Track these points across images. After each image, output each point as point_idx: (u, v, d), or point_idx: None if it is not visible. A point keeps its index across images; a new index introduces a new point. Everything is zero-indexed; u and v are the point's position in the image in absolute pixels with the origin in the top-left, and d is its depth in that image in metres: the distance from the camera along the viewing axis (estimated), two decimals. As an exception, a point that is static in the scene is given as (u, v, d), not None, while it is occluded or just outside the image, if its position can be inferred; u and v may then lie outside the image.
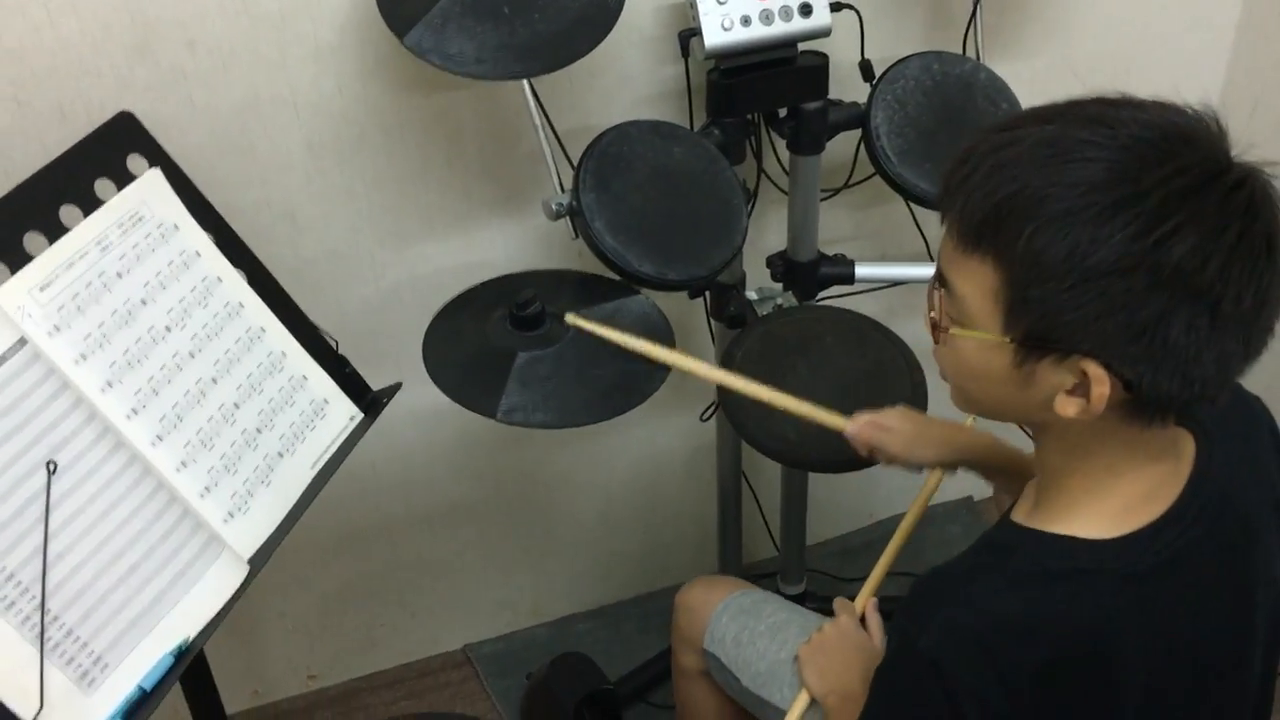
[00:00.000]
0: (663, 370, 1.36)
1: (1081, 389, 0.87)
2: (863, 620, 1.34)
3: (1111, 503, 0.94)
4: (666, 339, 1.40)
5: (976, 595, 0.94)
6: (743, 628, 1.43)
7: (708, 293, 1.73)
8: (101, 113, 1.44)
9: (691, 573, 2.23)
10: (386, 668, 2.14)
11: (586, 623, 2.20)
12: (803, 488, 1.95)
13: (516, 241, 1.76)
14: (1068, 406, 0.88)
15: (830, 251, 1.74)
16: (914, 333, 1.57)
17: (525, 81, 1.45)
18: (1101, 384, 0.85)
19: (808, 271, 1.72)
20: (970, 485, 2.39)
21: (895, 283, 1.78)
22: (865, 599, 1.35)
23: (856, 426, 1.31)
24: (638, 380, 1.34)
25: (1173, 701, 0.99)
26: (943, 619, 0.93)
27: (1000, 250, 0.86)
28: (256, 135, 1.56)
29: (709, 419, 1.88)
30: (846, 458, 1.43)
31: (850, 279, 1.72)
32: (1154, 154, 0.83)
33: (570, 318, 1.37)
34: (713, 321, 1.77)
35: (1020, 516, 1.00)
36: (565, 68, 1.40)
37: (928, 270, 1.76)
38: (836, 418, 1.32)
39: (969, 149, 0.89)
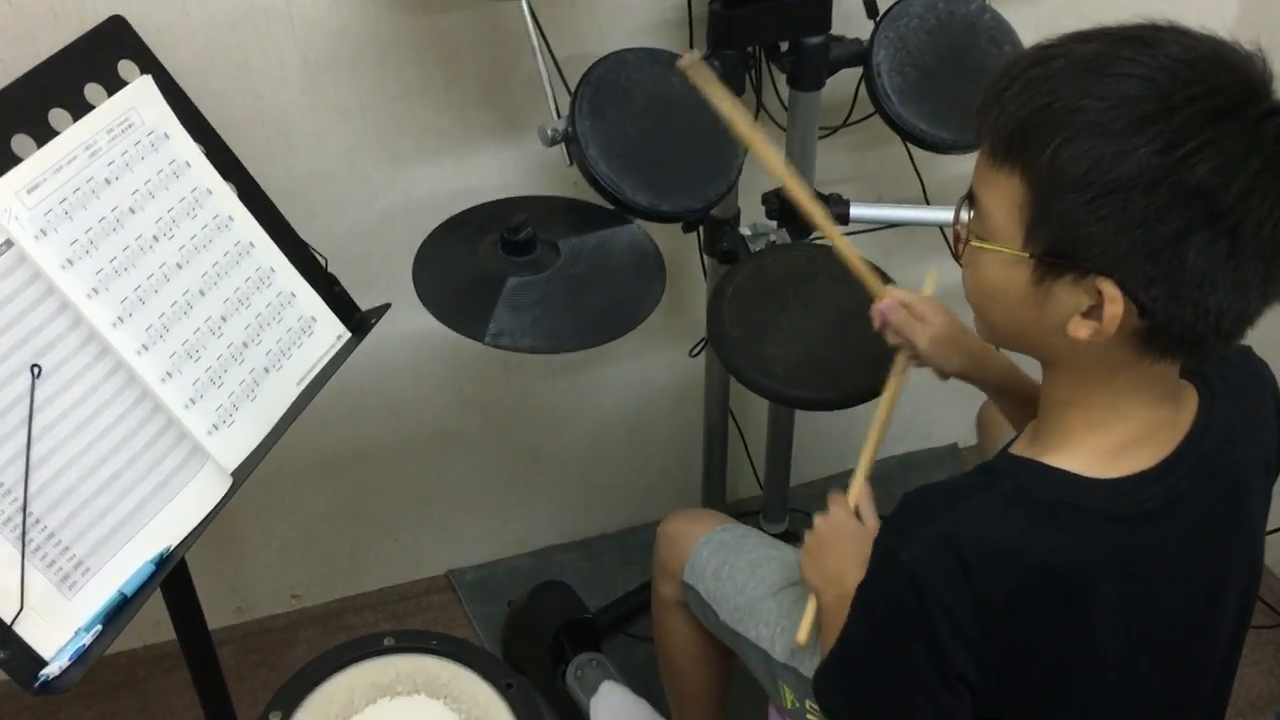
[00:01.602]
0: (652, 300, 1.36)
1: (1096, 311, 0.87)
2: (856, 513, 1.31)
3: (1108, 440, 0.95)
4: (657, 268, 1.40)
5: (962, 513, 0.94)
6: (723, 562, 1.44)
7: (701, 227, 1.72)
8: (95, 16, 1.42)
9: (675, 509, 2.25)
10: (369, 590, 2.16)
11: (569, 554, 2.21)
12: (788, 427, 1.96)
13: (511, 168, 1.75)
14: (1080, 329, 0.88)
15: (826, 191, 1.73)
16: (908, 276, 1.57)
17: (525, 3, 1.43)
18: (1115, 304, 0.85)
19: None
20: (955, 433, 2.40)
21: (890, 225, 1.77)
22: (857, 489, 1.32)
23: (890, 302, 1.26)
24: (627, 309, 1.34)
25: (1141, 651, 1.00)
26: (926, 532, 0.94)
27: (1027, 163, 0.86)
28: (251, 48, 1.54)
29: (698, 354, 1.88)
30: (832, 396, 1.44)
31: (845, 219, 1.71)
32: (1190, 73, 0.82)
33: (687, 59, 1.27)
34: (705, 257, 1.77)
35: (1018, 449, 1.01)
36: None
37: (924, 213, 1.78)
38: (876, 283, 1.29)
39: (1008, 65, 0.89)
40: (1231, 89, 0.83)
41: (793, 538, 2.13)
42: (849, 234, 1.76)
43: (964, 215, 0.96)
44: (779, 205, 1.72)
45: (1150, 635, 0.99)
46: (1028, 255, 0.89)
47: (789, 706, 1.37)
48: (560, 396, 2.04)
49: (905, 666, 0.96)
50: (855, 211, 1.71)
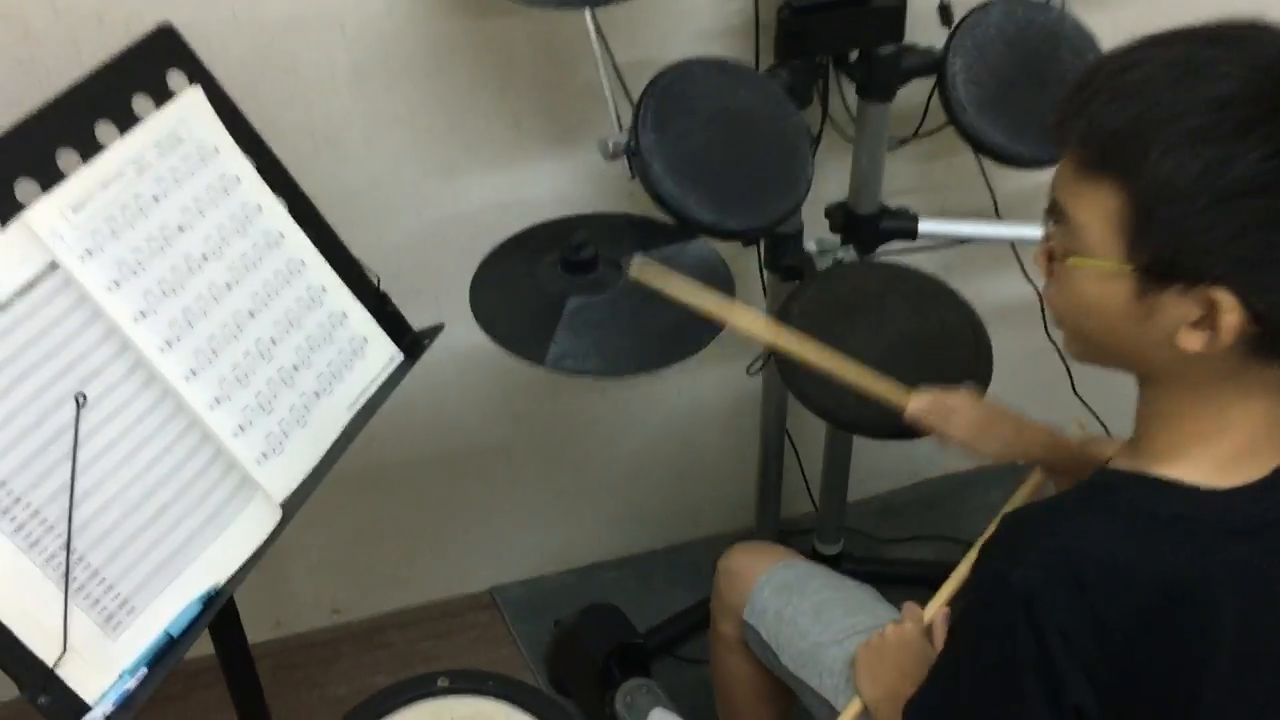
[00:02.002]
0: (718, 324, 1.30)
1: (1207, 321, 0.83)
2: (928, 631, 1.27)
3: (1221, 448, 0.90)
4: (725, 287, 1.33)
5: (1075, 531, 0.89)
6: (785, 603, 1.37)
7: (762, 241, 1.65)
8: (140, 21, 1.37)
9: (724, 526, 2.20)
10: (410, 605, 2.10)
11: (614, 571, 2.16)
12: (847, 447, 1.90)
13: (566, 179, 1.69)
14: (1192, 340, 0.84)
15: (893, 205, 1.66)
16: (975, 293, 1.51)
17: (588, 10, 1.37)
18: (1232, 313, 0.81)
19: (869, 224, 1.64)
20: (1015, 449, 2.32)
21: (959, 240, 1.70)
22: (936, 608, 1.28)
23: (920, 406, 1.25)
24: (691, 331, 1.28)
25: (1258, 672, 0.93)
26: (1039, 554, 0.89)
27: (1125, 172, 0.82)
28: (300, 54, 1.49)
29: (757, 372, 1.81)
30: (904, 427, 1.37)
31: (913, 234, 1.65)
32: None
33: (635, 266, 1.27)
34: (765, 272, 1.70)
35: (1119, 463, 0.95)
36: (632, -2, 1.32)
37: (994, 229, 1.71)
38: (899, 393, 1.26)
39: (1089, 73, 0.85)
40: None
41: (848, 558, 2.06)
42: (915, 250, 1.71)
43: (1048, 230, 0.91)
44: (843, 218, 1.66)
45: (1268, 655, 0.93)
46: (1130, 268, 0.84)
47: (845, 762, 1.30)
48: (609, 411, 1.98)
49: (1016, 700, 0.90)
50: (924, 227, 1.64)
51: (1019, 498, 1.32)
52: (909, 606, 1.28)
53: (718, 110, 1.40)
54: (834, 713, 1.30)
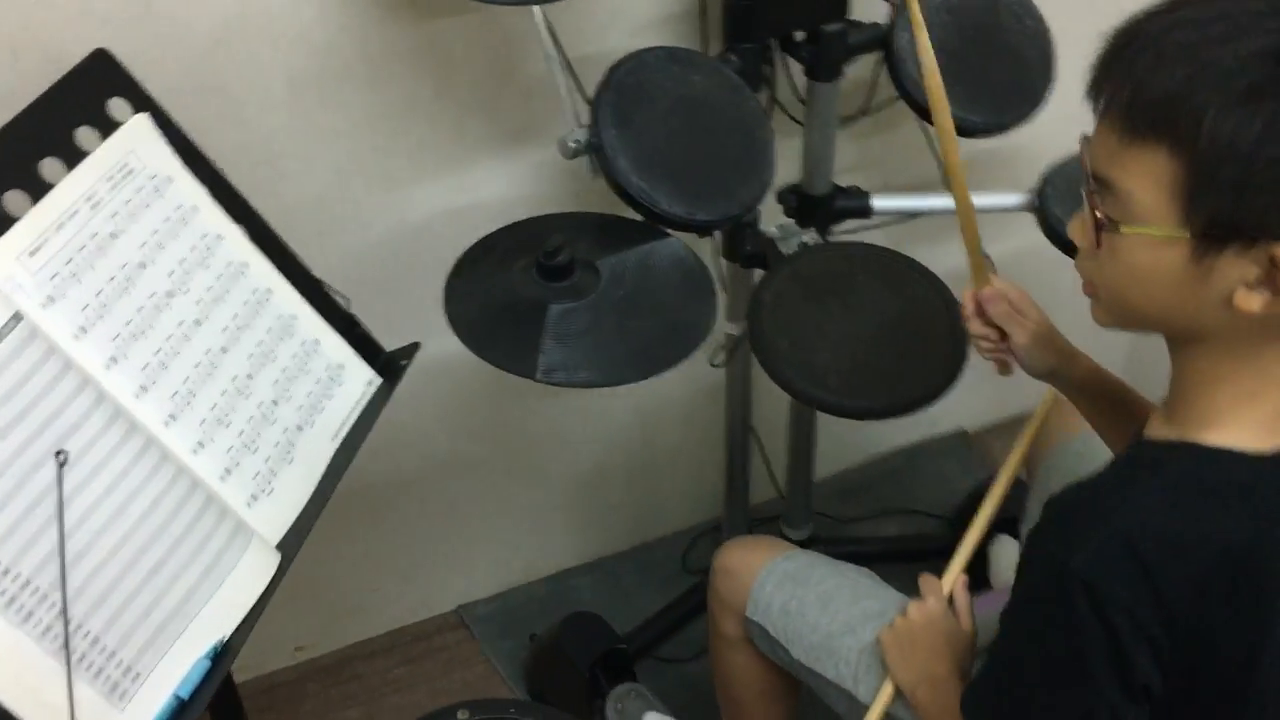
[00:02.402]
0: (707, 318, 1.27)
1: (1266, 280, 0.82)
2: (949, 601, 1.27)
3: (1264, 410, 0.89)
4: (706, 283, 1.30)
5: (1130, 509, 0.89)
6: (790, 596, 1.35)
7: (717, 232, 1.63)
8: (58, 50, 1.29)
9: (690, 520, 2.18)
10: (376, 634, 2.04)
11: (582, 577, 2.12)
12: (810, 431, 1.89)
13: (511, 181, 1.64)
14: (1251, 301, 0.83)
15: (844, 184, 1.65)
16: (925, 264, 1.50)
17: (537, 7, 1.33)
18: None
19: (823, 205, 1.63)
20: (963, 416, 2.35)
21: (912, 214, 1.69)
22: (953, 577, 1.27)
23: (992, 292, 1.23)
24: (684, 330, 1.25)
25: None
26: (1097, 538, 0.88)
27: (1178, 136, 0.80)
28: (231, 72, 1.42)
29: (721, 365, 1.79)
30: (891, 405, 1.37)
31: (867, 212, 1.64)
32: None
33: None
34: (723, 262, 1.67)
35: (1157, 433, 0.95)
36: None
37: (946, 201, 1.70)
38: (980, 271, 1.25)
39: (1127, 37, 0.83)
40: None
41: (816, 541, 2.05)
42: (869, 228, 1.70)
43: (1092, 204, 0.89)
44: (797, 201, 1.64)
45: None
46: (1187, 234, 0.83)
47: (875, 742, 1.29)
48: (568, 416, 1.94)
49: (1085, 684, 0.90)
50: (877, 204, 1.64)
51: (1031, 428, 1.38)
52: (926, 580, 1.27)
53: (676, 100, 1.37)
54: (853, 702, 1.28)
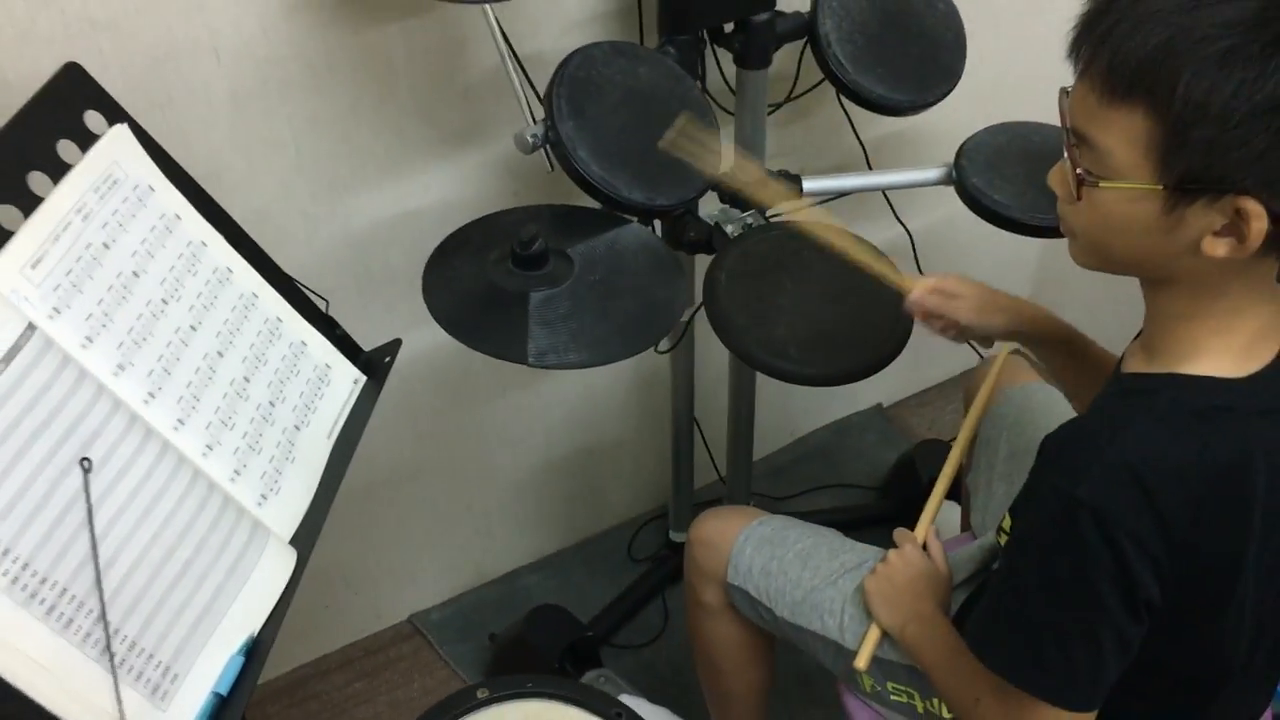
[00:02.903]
0: (681, 294, 1.32)
1: (1231, 228, 0.89)
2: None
3: (1236, 340, 0.97)
4: (673, 262, 1.35)
5: (1129, 438, 0.95)
6: (770, 557, 1.40)
7: (657, 220, 1.68)
8: (1, 70, 1.29)
9: (634, 510, 2.22)
10: (331, 650, 2.03)
11: (532, 575, 2.14)
12: (750, 414, 1.95)
13: (453, 183, 1.66)
14: (1218, 247, 0.90)
15: (775, 168, 1.72)
16: (867, 238, 1.58)
17: (488, 7, 1.37)
18: (1260, 220, 0.87)
19: (756, 189, 1.69)
20: (879, 392, 2.45)
21: (840, 194, 1.77)
22: (925, 527, 1.34)
23: (922, 292, 1.29)
24: (661, 307, 1.29)
25: (1274, 541, 1.01)
26: (1101, 467, 0.93)
27: (1155, 97, 0.86)
28: (175, 87, 1.41)
29: (666, 352, 1.84)
30: (851, 368, 1.43)
31: (798, 194, 1.71)
32: None
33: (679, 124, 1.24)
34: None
35: (1140, 367, 1.02)
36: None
37: (872, 178, 1.79)
38: (900, 278, 1.30)
39: (1103, 3, 0.89)
40: None
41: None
42: (801, 209, 1.77)
43: (1072, 157, 0.95)
44: (732, 190, 1.70)
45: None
46: (1161, 187, 0.89)
47: (868, 691, 1.35)
48: (510, 415, 1.96)
49: (1092, 607, 0.96)
50: (808, 186, 1.71)
51: (989, 380, 1.41)
52: (900, 532, 1.34)
53: (625, 91, 1.42)
54: (840, 649, 1.34)
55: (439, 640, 2.03)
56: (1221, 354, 0.97)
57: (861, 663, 1.28)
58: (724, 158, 1.26)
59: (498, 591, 2.11)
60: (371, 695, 1.97)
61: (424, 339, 1.56)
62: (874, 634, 1.28)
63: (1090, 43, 0.90)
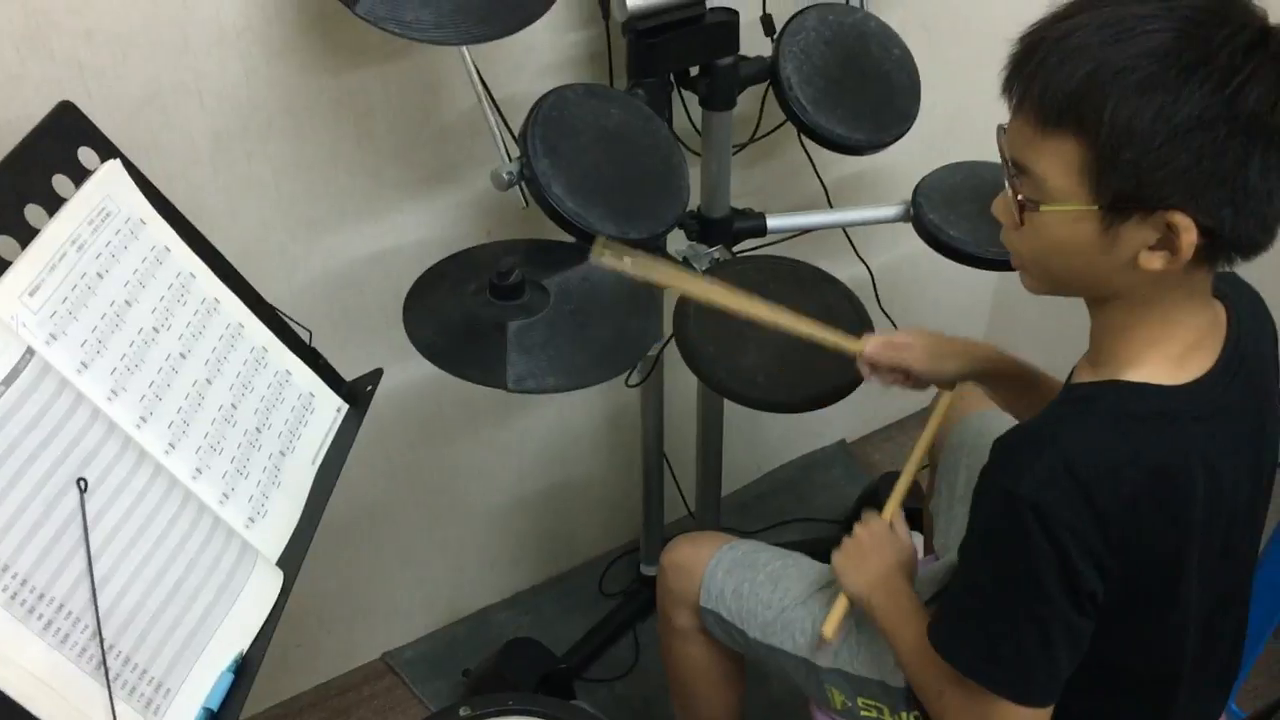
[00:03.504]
0: (654, 324, 1.37)
1: (1164, 242, 0.95)
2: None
3: (1171, 349, 1.03)
4: (646, 293, 1.40)
5: (1069, 440, 1.00)
6: (741, 580, 1.44)
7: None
8: None
9: (605, 546, 2.25)
10: (304, 689, 2.04)
11: (504, 612, 2.17)
12: (719, 449, 1.99)
13: (428, 223, 1.71)
14: (1153, 260, 0.96)
15: (740, 206, 1.78)
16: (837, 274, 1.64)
17: (465, 50, 1.42)
18: (1189, 232, 0.93)
19: (722, 227, 1.74)
20: (843, 428, 2.50)
21: (803, 230, 1.83)
22: (892, 508, 1.39)
23: (874, 347, 1.34)
24: (633, 335, 1.34)
25: (1215, 543, 1.08)
26: (1041, 465, 0.99)
27: (1084, 125, 0.92)
28: (159, 128, 1.45)
29: (635, 386, 1.88)
30: (817, 394, 1.48)
31: (763, 231, 1.77)
32: (1211, 19, 0.91)
33: (597, 250, 1.28)
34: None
35: (1085, 378, 1.08)
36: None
37: (833, 216, 1.85)
38: (849, 341, 1.35)
39: (1032, 42, 0.96)
40: (1249, 24, 0.92)
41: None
42: (765, 245, 1.83)
43: (1013, 186, 1.01)
44: (699, 224, 1.76)
45: (1221, 527, 1.07)
46: (1096, 208, 0.95)
47: (839, 708, 1.39)
48: (483, 450, 2.00)
49: (1039, 600, 1.01)
50: (772, 223, 1.77)
51: (936, 416, 1.46)
52: (867, 512, 1.39)
53: (598, 131, 1.47)
54: (812, 668, 1.38)
55: (412, 678, 2.05)
56: (1159, 363, 1.03)
57: (829, 630, 1.32)
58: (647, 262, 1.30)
59: (470, 628, 2.13)
60: (347, 732, 1.98)
61: (397, 376, 1.60)
62: (841, 603, 1.32)
63: (1021, 79, 0.97)
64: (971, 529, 1.09)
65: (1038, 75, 0.95)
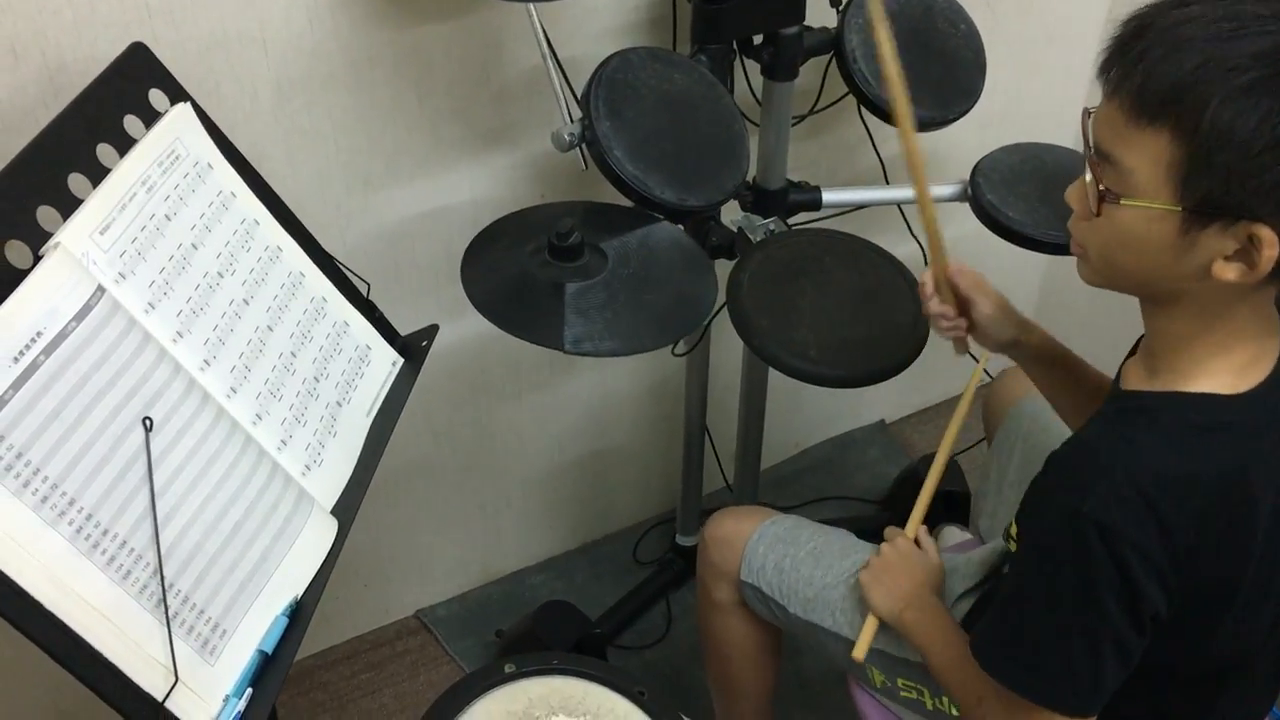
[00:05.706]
0: (711, 290, 1.36)
1: (1242, 254, 0.92)
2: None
3: (1235, 359, 1.01)
4: (703, 259, 1.40)
5: (1134, 455, 0.98)
6: (783, 555, 1.44)
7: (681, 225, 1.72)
8: (58, 53, 1.33)
9: (641, 515, 2.26)
10: (338, 643, 2.05)
11: (537, 575, 2.17)
12: (760, 423, 1.98)
13: (483, 183, 1.71)
14: (1229, 271, 0.93)
15: (795, 179, 1.77)
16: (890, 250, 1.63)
17: (532, 8, 1.41)
18: (1272, 247, 0.90)
19: (777, 199, 1.73)
20: (883, 409, 2.49)
21: (859, 206, 1.82)
22: (915, 525, 1.38)
23: (960, 266, 1.30)
24: (691, 302, 1.33)
25: (1274, 550, 1.06)
26: (1107, 483, 0.97)
27: (1181, 122, 0.89)
28: (223, 75, 1.46)
29: (683, 355, 1.87)
30: (869, 371, 1.47)
31: (818, 205, 1.76)
32: None
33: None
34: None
35: (1140, 385, 1.05)
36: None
37: (890, 193, 1.84)
38: (942, 251, 1.30)
39: (1138, 28, 0.92)
40: None
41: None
42: (820, 219, 1.82)
43: (1095, 174, 0.98)
44: (753, 196, 1.75)
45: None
46: (1179, 209, 0.93)
47: (878, 686, 1.39)
48: (526, 416, 2.00)
49: (1096, 618, 0.99)
50: (827, 197, 1.75)
51: (965, 402, 1.48)
52: (890, 530, 1.38)
53: (660, 96, 1.46)
54: (852, 646, 1.37)
55: (445, 636, 2.06)
56: (1221, 373, 1.00)
57: (859, 653, 1.32)
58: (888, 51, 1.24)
59: (503, 589, 2.14)
60: (377, 687, 2.00)
61: (444, 335, 1.60)
62: (871, 624, 1.31)
63: (1122, 64, 0.93)
64: (1026, 544, 1.07)
65: (1141, 63, 0.91)
